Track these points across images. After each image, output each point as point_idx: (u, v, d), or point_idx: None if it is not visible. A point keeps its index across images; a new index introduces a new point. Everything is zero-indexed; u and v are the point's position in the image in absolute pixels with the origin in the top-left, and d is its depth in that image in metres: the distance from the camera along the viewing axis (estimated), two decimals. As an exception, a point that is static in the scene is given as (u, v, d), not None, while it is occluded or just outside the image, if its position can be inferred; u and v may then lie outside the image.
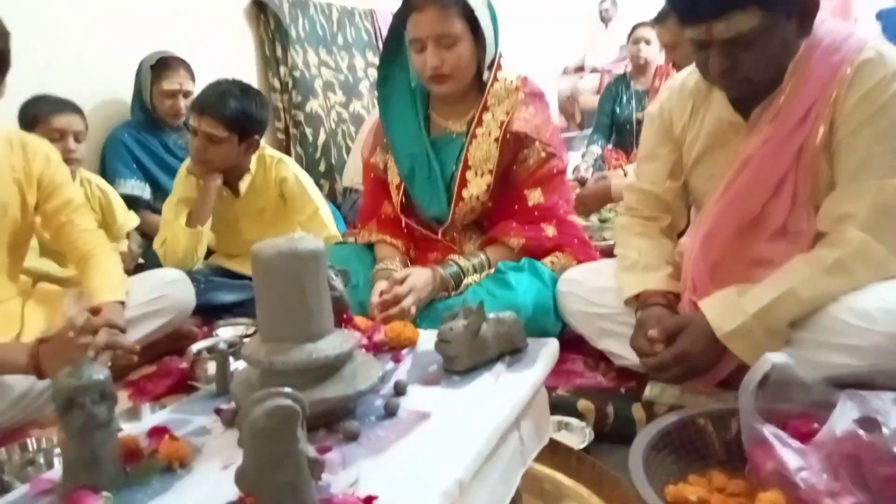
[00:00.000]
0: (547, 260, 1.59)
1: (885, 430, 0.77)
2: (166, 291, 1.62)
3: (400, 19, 1.59)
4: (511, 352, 0.90)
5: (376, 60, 3.55)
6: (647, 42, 3.35)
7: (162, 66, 2.38)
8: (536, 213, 1.62)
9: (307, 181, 2.11)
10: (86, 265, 1.51)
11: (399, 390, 0.79)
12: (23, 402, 1.32)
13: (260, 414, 0.49)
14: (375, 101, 3.40)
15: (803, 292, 1.05)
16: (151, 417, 0.79)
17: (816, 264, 1.06)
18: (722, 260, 1.17)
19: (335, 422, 0.72)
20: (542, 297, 1.47)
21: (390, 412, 0.74)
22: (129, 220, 2.26)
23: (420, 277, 1.47)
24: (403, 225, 1.72)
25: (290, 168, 2.08)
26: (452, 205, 1.64)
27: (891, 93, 1.05)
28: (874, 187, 1.05)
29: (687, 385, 1.15)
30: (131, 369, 1.54)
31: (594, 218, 2.54)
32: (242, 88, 1.92)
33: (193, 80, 2.43)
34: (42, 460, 1.10)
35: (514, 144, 1.60)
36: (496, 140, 1.60)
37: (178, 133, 2.51)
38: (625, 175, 2.54)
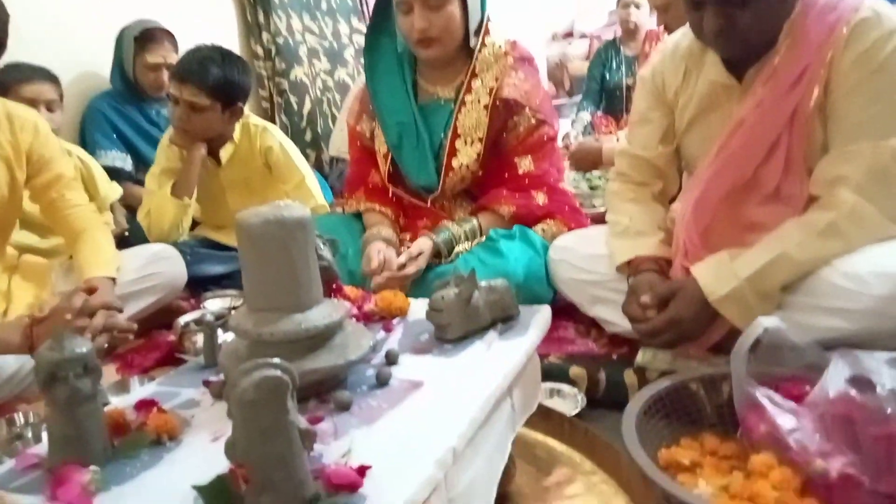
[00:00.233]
0: (538, 227, 1.58)
1: (878, 389, 0.77)
2: (158, 268, 1.60)
3: (387, -19, 1.55)
4: (503, 319, 0.89)
5: (361, 27, 3.47)
6: (637, 6, 3.30)
7: (146, 38, 2.31)
8: (527, 181, 1.60)
9: (293, 150, 2.07)
10: (77, 240, 1.49)
11: (391, 360, 0.78)
12: (13, 380, 1.30)
13: (248, 385, 0.47)
14: (361, 69, 3.36)
15: (796, 256, 1.04)
16: (139, 390, 0.78)
17: (809, 228, 1.06)
18: (714, 224, 1.16)
19: (326, 392, 0.71)
20: (533, 265, 1.46)
21: (382, 382, 0.73)
22: (112, 191, 2.22)
23: (426, 244, 1.48)
24: (391, 194, 1.70)
25: (276, 136, 2.04)
26: (442, 175, 1.61)
27: (887, 52, 1.03)
28: (869, 149, 1.04)
29: (679, 350, 1.15)
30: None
31: (584, 185, 2.53)
32: (223, 54, 1.87)
33: (177, 51, 2.36)
34: (30, 435, 1.09)
35: (503, 111, 1.57)
36: (486, 107, 1.57)
37: (160, 103, 2.45)
38: (616, 140, 2.52)
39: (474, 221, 1.58)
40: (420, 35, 1.50)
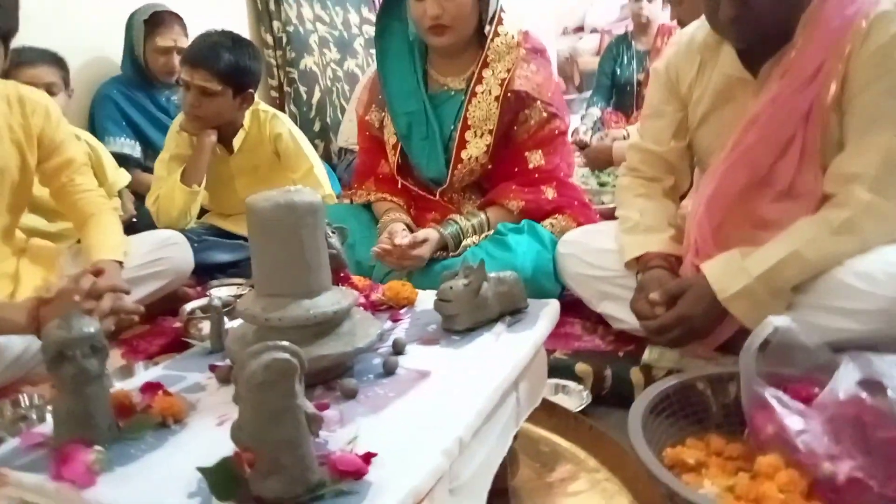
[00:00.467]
0: (547, 222, 1.57)
1: (889, 392, 0.77)
2: (165, 254, 1.60)
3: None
4: (512, 312, 0.88)
5: (371, 17, 3.45)
6: (650, 0, 3.27)
7: (156, 21, 2.30)
8: (537, 176, 1.59)
9: (302, 138, 2.07)
10: (86, 224, 1.49)
11: (398, 349, 0.78)
12: (19, 362, 1.31)
13: (257, 367, 0.47)
14: (370, 60, 3.35)
15: (809, 254, 1.03)
16: (145, 374, 0.78)
17: (823, 225, 1.04)
18: (726, 221, 1.15)
19: (333, 379, 0.71)
20: (541, 260, 1.45)
21: (389, 371, 0.73)
22: (120, 177, 2.22)
23: (433, 234, 1.48)
24: (400, 185, 1.69)
25: (285, 124, 2.04)
26: (451, 167, 1.60)
27: (907, 47, 1.01)
28: (884, 145, 1.02)
29: (686, 349, 1.14)
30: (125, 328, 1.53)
31: (593, 181, 2.52)
32: (234, 39, 1.86)
33: (187, 35, 2.35)
34: (34, 416, 1.09)
35: (514, 103, 1.56)
36: (496, 99, 1.56)
37: (170, 90, 2.44)
38: (626, 134, 2.53)
39: (482, 216, 1.57)
40: (432, 22, 1.49)
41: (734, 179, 1.13)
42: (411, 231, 1.53)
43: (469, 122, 1.57)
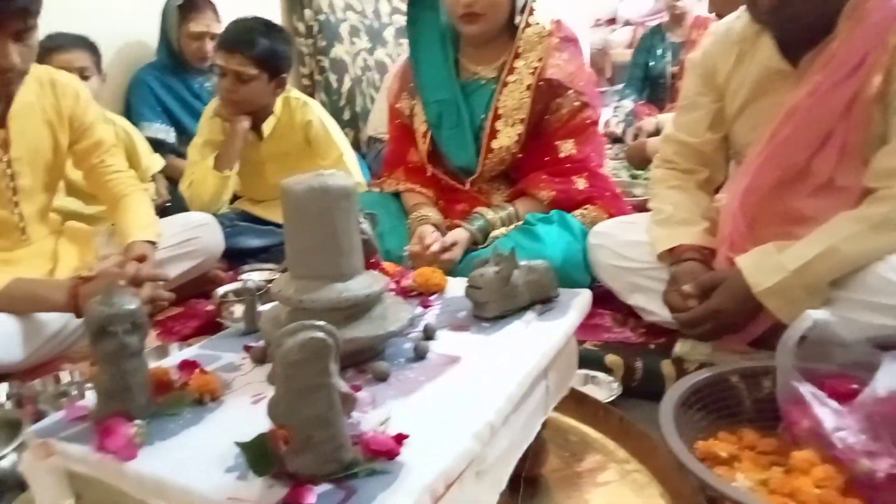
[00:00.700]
0: (577, 212, 1.55)
1: (931, 391, 0.75)
2: (196, 234, 1.63)
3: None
4: (542, 300, 0.88)
5: (402, 6, 3.44)
6: (686, -10, 3.22)
7: (189, 7, 2.33)
8: (568, 165, 1.58)
9: (332, 125, 2.08)
10: (118, 205, 1.52)
11: (428, 334, 0.78)
12: (57, 338, 1.35)
13: (293, 345, 0.48)
14: (400, 49, 3.34)
15: (847, 249, 1.01)
16: (180, 354, 0.79)
17: (862, 221, 1.02)
18: (762, 215, 1.13)
19: (364, 362, 0.71)
20: (571, 251, 1.44)
21: (420, 355, 0.73)
22: (154, 162, 2.26)
23: (462, 235, 1.48)
24: (430, 174, 1.69)
25: (316, 111, 2.05)
26: (481, 156, 1.60)
27: (957, 39, 0.98)
28: None
29: (718, 343, 1.13)
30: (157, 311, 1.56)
31: (624, 174, 2.49)
32: (267, 25, 1.88)
33: (220, 21, 2.38)
34: (75, 392, 1.12)
35: (546, 92, 1.55)
36: (528, 88, 1.55)
37: (203, 76, 2.47)
38: (656, 123, 2.49)
39: (511, 208, 1.57)
40: (465, 10, 1.48)
41: (770, 172, 1.11)
42: (440, 231, 1.53)
43: (500, 112, 1.57)
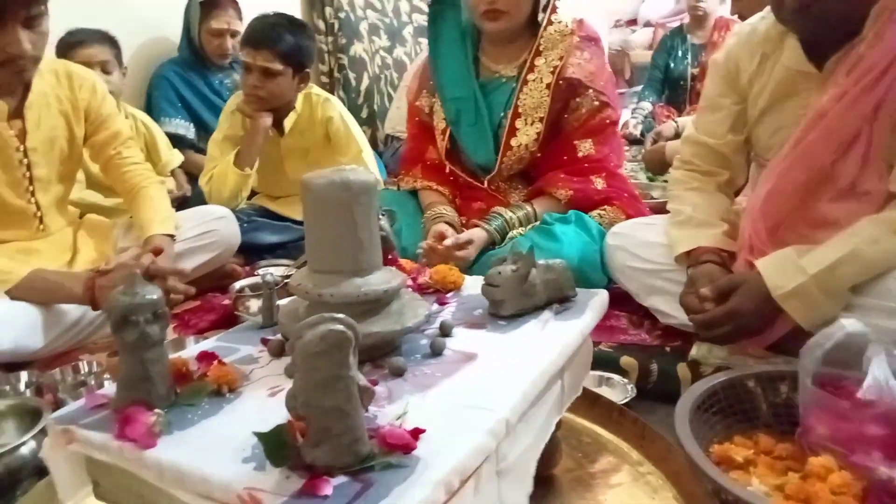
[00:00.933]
0: (595, 213, 1.55)
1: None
2: (214, 227, 1.64)
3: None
4: (559, 300, 0.88)
5: (421, 5, 3.45)
6: (708, -8, 3.19)
7: (211, 3, 2.36)
8: (586, 165, 1.57)
9: (352, 122, 2.09)
10: (135, 198, 1.54)
11: (445, 331, 0.78)
12: (76, 327, 1.37)
13: (313, 337, 0.48)
14: (419, 48, 3.35)
15: (869, 254, 0.99)
16: (198, 346, 0.80)
17: (886, 225, 1.00)
18: (783, 219, 1.11)
19: (381, 358, 0.71)
20: (588, 251, 1.44)
21: (436, 351, 0.73)
22: (173, 157, 2.28)
23: (480, 234, 1.48)
24: (448, 171, 1.69)
25: (337, 108, 2.06)
26: (500, 154, 1.60)
27: None
28: None
29: (736, 346, 1.12)
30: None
31: (642, 175, 2.48)
32: (290, 21, 1.90)
33: (241, 18, 2.40)
34: (93, 381, 1.14)
35: (566, 91, 1.54)
36: (548, 86, 1.54)
37: (224, 72, 2.50)
38: (676, 127, 2.47)
39: (528, 208, 1.56)
40: (487, 7, 1.48)
41: (794, 176, 1.09)
42: (455, 229, 1.53)
43: (520, 110, 1.56)
